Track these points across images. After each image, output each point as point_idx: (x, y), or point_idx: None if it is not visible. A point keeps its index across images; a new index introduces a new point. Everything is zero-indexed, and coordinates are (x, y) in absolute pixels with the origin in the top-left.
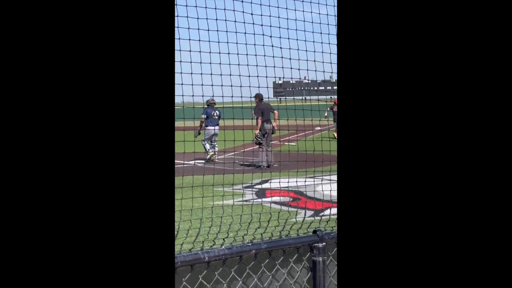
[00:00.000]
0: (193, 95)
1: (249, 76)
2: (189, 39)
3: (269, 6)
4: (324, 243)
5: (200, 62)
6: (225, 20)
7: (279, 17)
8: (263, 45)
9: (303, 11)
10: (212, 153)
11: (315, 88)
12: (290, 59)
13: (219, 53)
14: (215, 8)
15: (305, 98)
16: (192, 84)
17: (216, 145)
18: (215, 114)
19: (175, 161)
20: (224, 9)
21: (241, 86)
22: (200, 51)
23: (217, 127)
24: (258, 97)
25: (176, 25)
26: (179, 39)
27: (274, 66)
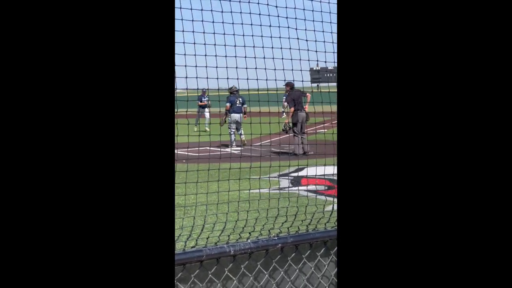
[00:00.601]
0: (227, 78)
1: (282, 65)
2: (223, 31)
3: None
4: None
5: (234, 45)
6: (258, 2)
7: (312, 1)
8: (296, 29)
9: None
10: (234, 143)
11: None
12: (324, 44)
13: (252, 35)
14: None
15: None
16: (226, 67)
17: (242, 130)
18: (238, 101)
19: (211, 148)
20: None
21: (275, 77)
22: (233, 34)
23: (241, 115)
24: (289, 85)
25: (210, 8)
26: (213, 22)
27: (308, 50)
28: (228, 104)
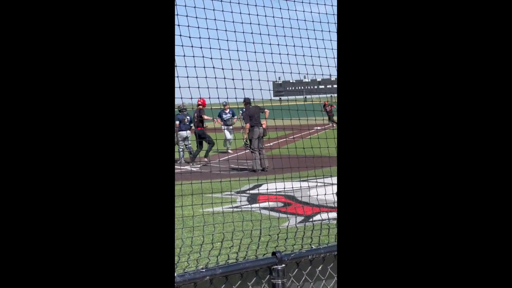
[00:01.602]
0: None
1: (243, 79)
2: (191, 46)
3: (264, 7)
4: (283, 265)
5: (204, 67)
6: (215, 19)
7: (274, 16)
8: (262, 43)
9: (295, 10)
10: (190, 156)
11: (315, 86)
12: (288, 57)
13: (210, 48)
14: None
15: (306, 97)
16: (200, 77)
17: (191, 147)
18: (186, 119)
19: None
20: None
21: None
22: (205, 56)
23: (188, 132)
24: (245, 101)
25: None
26: (193, 36)
27: (271, 62)
28: (177, 122)
